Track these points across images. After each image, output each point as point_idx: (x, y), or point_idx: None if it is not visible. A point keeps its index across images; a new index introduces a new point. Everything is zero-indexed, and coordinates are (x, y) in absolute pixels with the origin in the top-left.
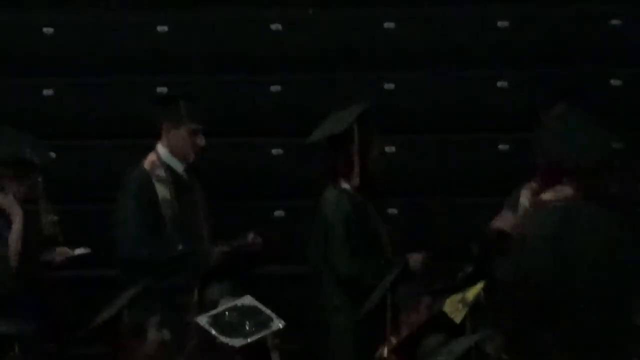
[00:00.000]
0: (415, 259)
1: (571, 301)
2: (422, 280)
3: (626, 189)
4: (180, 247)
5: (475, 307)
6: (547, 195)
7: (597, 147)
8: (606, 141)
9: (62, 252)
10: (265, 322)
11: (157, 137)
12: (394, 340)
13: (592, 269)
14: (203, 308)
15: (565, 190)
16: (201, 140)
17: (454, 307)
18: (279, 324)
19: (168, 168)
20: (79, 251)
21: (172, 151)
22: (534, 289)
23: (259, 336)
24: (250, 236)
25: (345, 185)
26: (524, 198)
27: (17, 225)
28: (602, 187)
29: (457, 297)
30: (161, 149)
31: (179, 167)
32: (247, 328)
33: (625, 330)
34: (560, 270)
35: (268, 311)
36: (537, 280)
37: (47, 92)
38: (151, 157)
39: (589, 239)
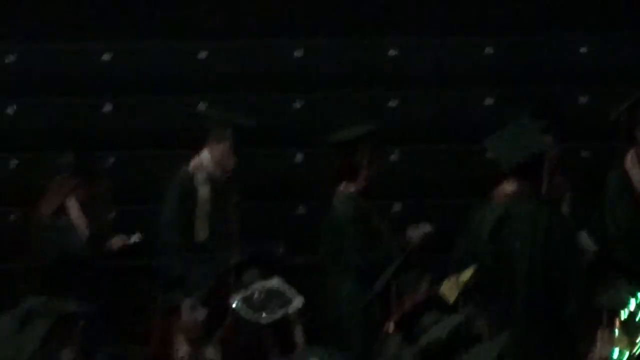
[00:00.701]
0: (414, 232)
1: (510, 289)
2: (422, 267)
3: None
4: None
5: (466, 289)
6: (495, 192)
7: (525, 149)
8: (534, 143)
9: (117, 241)
10: (287, 302)
11: (202, 145)
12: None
13: (527, 259)
14: (238, 290)
15: (508, 187)
16: (231, 162)
17: (449, 289)
18: (299, 302)
19: (208, 172)
20: (134, 238)
21: (213, 159)
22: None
23: (281, 314)
24: (281, 249)
25: (350, 189)
26: None
27: (73, 204)
28: (544, 185)
29: (451, 280)
30: (205, 155)
31: (217, 172)
32: (272, 307)
33: (576, 314)
34: (497, 260)
35: (291, 291)
36: (479, 269)
37: (106, 108)
38: (195, 161)
39: (525, 232)
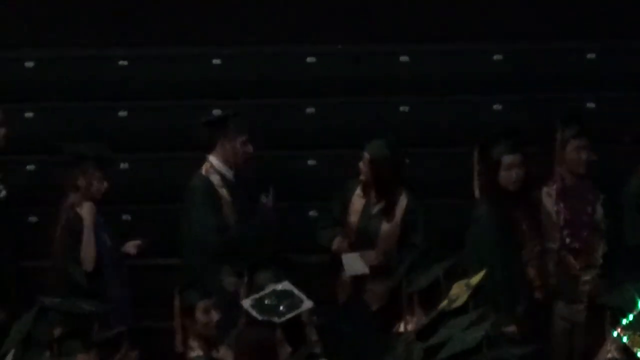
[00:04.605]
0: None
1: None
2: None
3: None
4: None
5: (477, 290)
6: None
7: None
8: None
9: (132, 244)
10: (297, 303)
11: (208, 150)
12: (408, 317)
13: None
14: (252, 291)
15: None
16: (250, 148)
17: (460, 290)
18: (309, 304)
19: (221, 175)
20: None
21: (225, 161)
22: None
23: (291, 315)
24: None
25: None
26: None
27: (87, 210)
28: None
29: (462, 282)
30: (213, 159)
31: (228, 173)
32: (282, 309)
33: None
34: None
35: (300, 294)
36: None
37: (121, 113)
38: (206, 166)
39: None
